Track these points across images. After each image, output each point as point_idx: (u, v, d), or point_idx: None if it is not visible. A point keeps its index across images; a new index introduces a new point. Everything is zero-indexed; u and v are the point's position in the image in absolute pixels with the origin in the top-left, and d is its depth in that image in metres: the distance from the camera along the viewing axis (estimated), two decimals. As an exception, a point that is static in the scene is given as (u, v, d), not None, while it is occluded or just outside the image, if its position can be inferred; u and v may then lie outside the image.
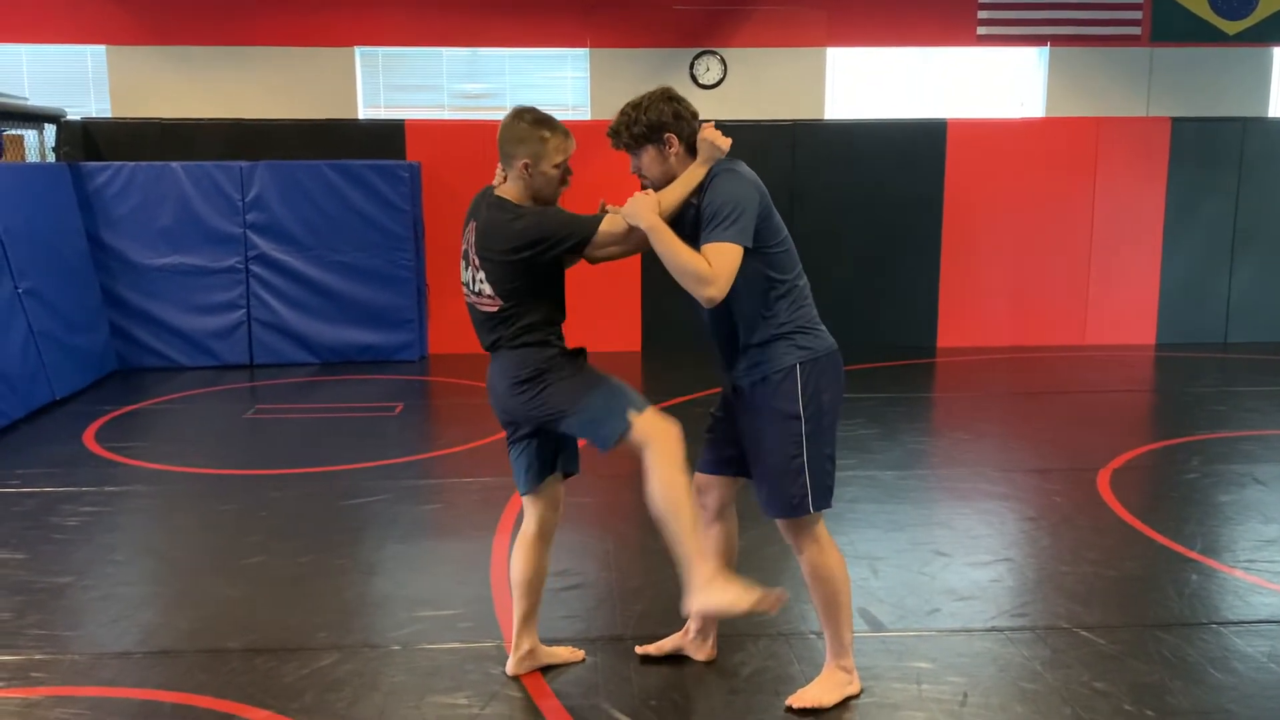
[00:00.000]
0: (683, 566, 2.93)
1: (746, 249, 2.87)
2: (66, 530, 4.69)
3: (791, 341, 2.99)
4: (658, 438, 2.96)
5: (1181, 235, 9.46)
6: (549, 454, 3.21)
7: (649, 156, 3.02)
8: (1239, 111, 9.65)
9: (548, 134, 3.04)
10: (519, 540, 3.28)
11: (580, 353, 3.14)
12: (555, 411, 3.04)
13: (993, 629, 3.65)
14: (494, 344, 3.10)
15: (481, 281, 3.07)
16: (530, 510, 3.26)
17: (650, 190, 3.02)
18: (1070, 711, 3.09)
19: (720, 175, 2.94)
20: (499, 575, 4.15)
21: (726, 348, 3.09)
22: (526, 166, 3.04)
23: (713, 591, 2.90)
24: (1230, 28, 9.50)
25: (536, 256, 2.98)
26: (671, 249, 2.87)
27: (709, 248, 2.86)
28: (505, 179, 3.13)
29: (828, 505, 3.05)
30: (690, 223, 2.98)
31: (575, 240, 2.99)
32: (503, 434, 3.27)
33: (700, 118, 3.06)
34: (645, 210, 2.91)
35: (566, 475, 3.31)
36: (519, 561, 3.26)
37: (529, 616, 3.30)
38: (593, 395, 3.02)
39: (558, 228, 2.98)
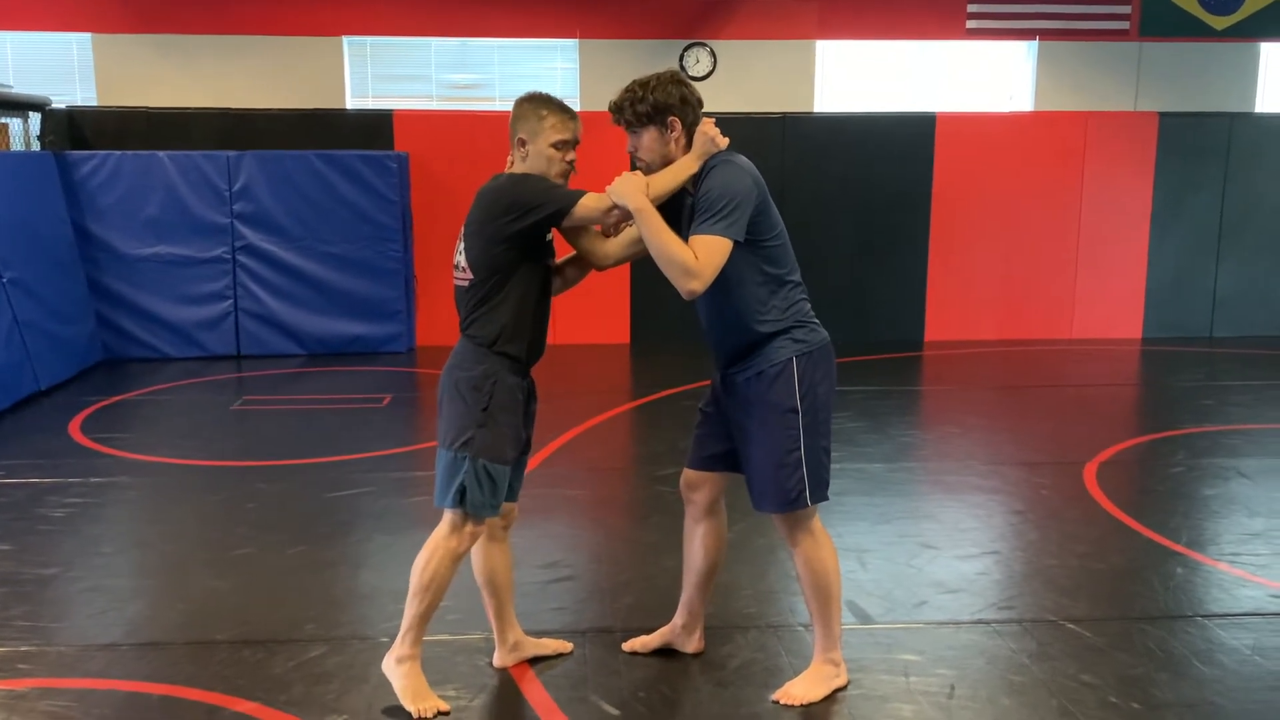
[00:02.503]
0: (401, 634, 3.07)
1: (738, 243, 2.86)
2: (53, 521, 4.67)
3: (788, 335, 2.98)
4: (453, 540, 2.99)
5: (1168, 229, 9.51)
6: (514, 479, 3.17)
7: (649, 137, 2.97)
8: (1226, 106, 9.68)
9: (545, 112, 2.98)
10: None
11: (516, 406, 3.02)
12: (441, 430, 3.01)
13: (980, 621, 3.67)
14: (462, 325, 3.04)
15: (461, 253, 3.02)
16: None
17: (639, 172, 2.99)
18: (1057, 704, 3.11)
19: (718, 166, 2.91)
20: (488, 567, 4.14)
21: (721, 342, 3.07)
22: (522, 142, 2.99)
23: (399, 674, 3.06)
24: (1218, 23, 9.53)
25: (510, 223, 2.89)
26: (659, 236, 2.84)
27: (698, 240, 2.83)
28: (512, 162, 3.08)
29: (824, 498, 3.05)
30: (686, 212, 2.96)
31: (552, 209, 2.89)
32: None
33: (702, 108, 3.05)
34: (634, 191, 2.86)
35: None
36: (475, 560, 3.23)
37: (502, 611, 3.28)
38: (457, 458, 2.94)
39: (534, 195, 2.90)
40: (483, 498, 2.97)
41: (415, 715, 3.01)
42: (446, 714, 3.04)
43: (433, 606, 3.05)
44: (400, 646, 3.07)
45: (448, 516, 3.01)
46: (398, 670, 3.07)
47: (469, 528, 3.01)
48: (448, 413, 3.00)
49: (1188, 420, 6.59)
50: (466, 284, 3.01)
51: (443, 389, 3.05)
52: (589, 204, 2.90)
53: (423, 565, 3.01)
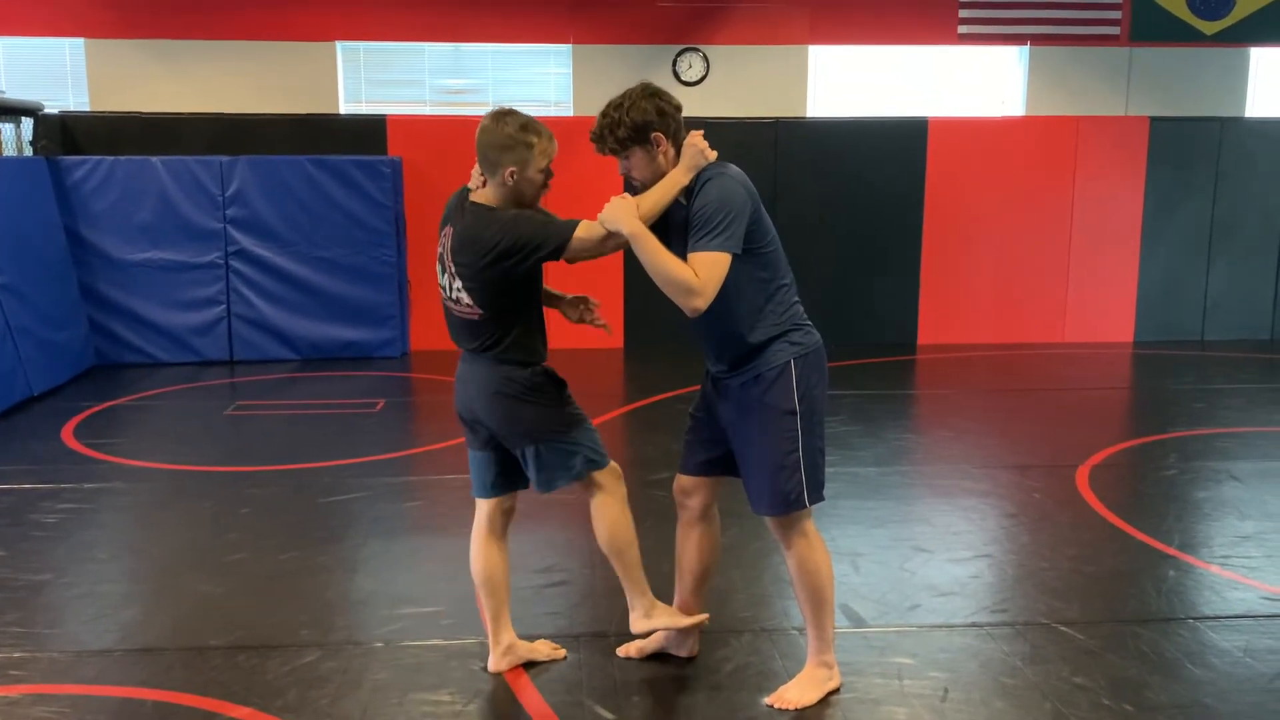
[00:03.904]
0: (630, 595, 3.24)
1: (735, 255, 2.87)
2: (45, 527, 4.66)
3: (784, 339, 3.00)
4: (610, 494, 3.18)
5: (1160, 233, 9.54)
6: (514, 468, 3.22)
7: (637, 158, 2.96)
8: (1216, 111, 9.73)
9: (534, 139, 2.97)
10: (473, 539, 3.29)
11: (562, 382, 3.16)
12: (522, 435, 3.09)
13: (973, 624, 3.68)
14: (477, 349, 3.08)
15: (460, 290, 3.02)
16: (481, 509, 3.28)
17: (627, 195, 2.99)
18: (1050, 706, 3.12)
19: (711, 179, 2.90)
20: (482, 572, 4.14)
21: (718, 349, 3.07)
22: (512, 174, 2.97)
23: (655, 618, 3.24)
24: (1208, 28, 9.58)
25: (513, 266, 2.93)
26: (656, 258, 2.83)
27: (697, 257, 2.83)
28: (484, 184, 3.06)
29: (821, 499, 3.06)
30: (679, 224, 2.96)
31: (551, 247, 2.93)
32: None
33: (683, 112, 3.04)
34: (627, 216, 2.86)
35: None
36: (475, 560, 3.27)
37: (499, 613, 3.30)
38: (559, 440, 3.09)
39: (532, 235, 2.92)
40: (599, 450, 3.17)
41: (693, 624, 3.27)
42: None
43: (638, 553, 3.23)
44: (642, 602, 3.23)
45: (590, 484, 3.17)
46: (655, 615, 3.25)
47: (609, 477, 3.18)
48: (522, 417, 3.08)
49: (1180, 423, 6.61)
50: (476, 319, 3.03)
51: (493, 406, 3.08)
52: (584, 235, 2.93)
53: (608, 530, 3.18)
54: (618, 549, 3.19)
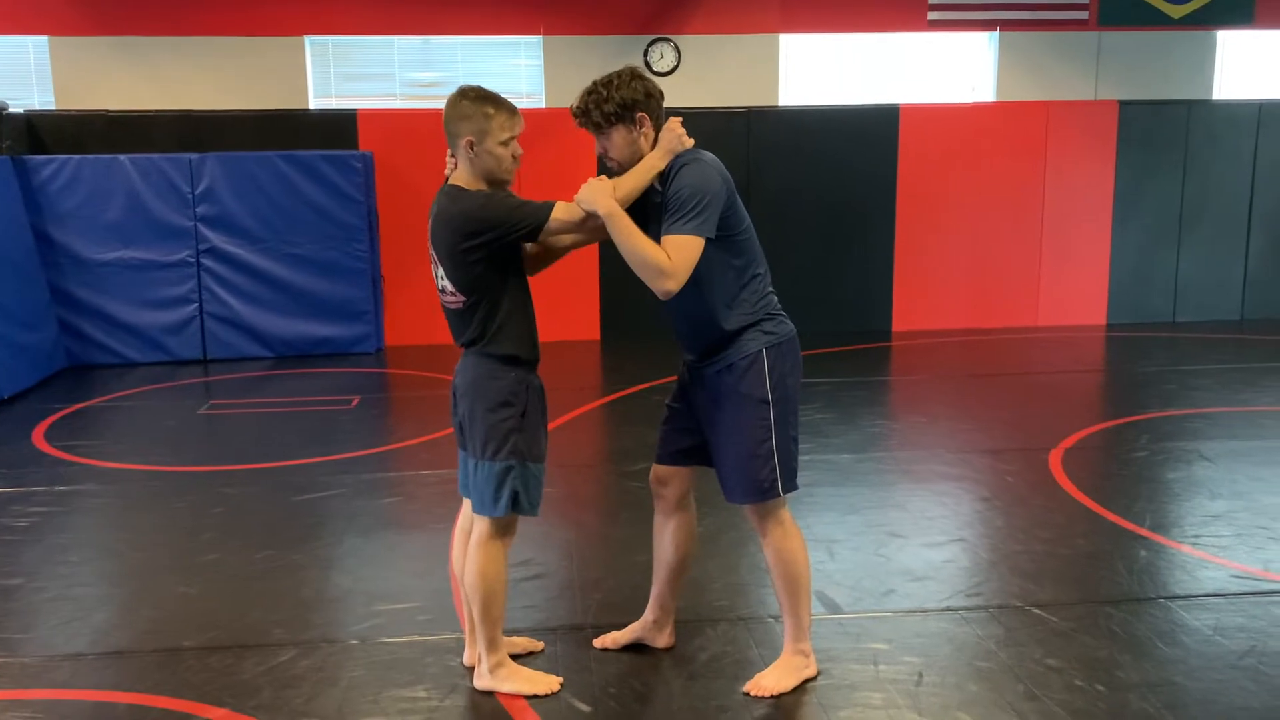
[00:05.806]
0: (483, 647, 3.13)
1: (709, 239, 2.87)
2: (16, 531, 4.62)
3: (757, 328, 3.01)
4: (498, 541, 3.06)
5: (1130, 217, 9.62)
6: None
7: (619, 136, 2.96)
8: (1184, 94, 9.80)
9: (491, 109, 2.93)
10: (457, 536, 3.28)
11: (543, 405, 3.09)
12: (472, 444, 3.05)
13: (947, 609, 3.71)
14: (466, 343, 3.05)
15: (442, 277, 2.99)
16: (466, 506, 3.25)
17: (603, 176, 3.00)
18: (1023, 688, 3.15)
19: (687, 165, 2.91)
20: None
21: (691, 337, 3.08)
22: (471, 144, 2.93)
23: (500, 679, 3.14)
24: (1175, 11, 9.64)
25: (486, 246, 2.89)
26: (630, 239, 2.85)
27: (670, 240, 2.85)
28: (455, 165, 3.04)
29: (795, 487, 3.07)
30: (655, 209, 2.97)
31: (525, 229, 2.90)
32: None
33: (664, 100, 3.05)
34: (602, 196, 2.86)
35: None
36: (458, 557, 3.26)
37: None
38: (503, 467, 2.98)
39: (505, 215, 2.89)
40: (533, 496, 3.05)
41: (549, 692, 3.11)
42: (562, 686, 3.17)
43: (502, 609, 3.11)
44: (490, 658, 3.13)
45: (488, 522, 3.05)
46: (498, 676, 3.13)
47: (509, 529, 3.09)
48: (484, 425, 3.00)
49: (1151, 405, 6.67)
50: (460, 306, 2.99)
51: (470, 404, 3.03)
52: (560, 216, 2.90)
53: (480, 575, 3.05)
54: (486, 600, 3.04)
